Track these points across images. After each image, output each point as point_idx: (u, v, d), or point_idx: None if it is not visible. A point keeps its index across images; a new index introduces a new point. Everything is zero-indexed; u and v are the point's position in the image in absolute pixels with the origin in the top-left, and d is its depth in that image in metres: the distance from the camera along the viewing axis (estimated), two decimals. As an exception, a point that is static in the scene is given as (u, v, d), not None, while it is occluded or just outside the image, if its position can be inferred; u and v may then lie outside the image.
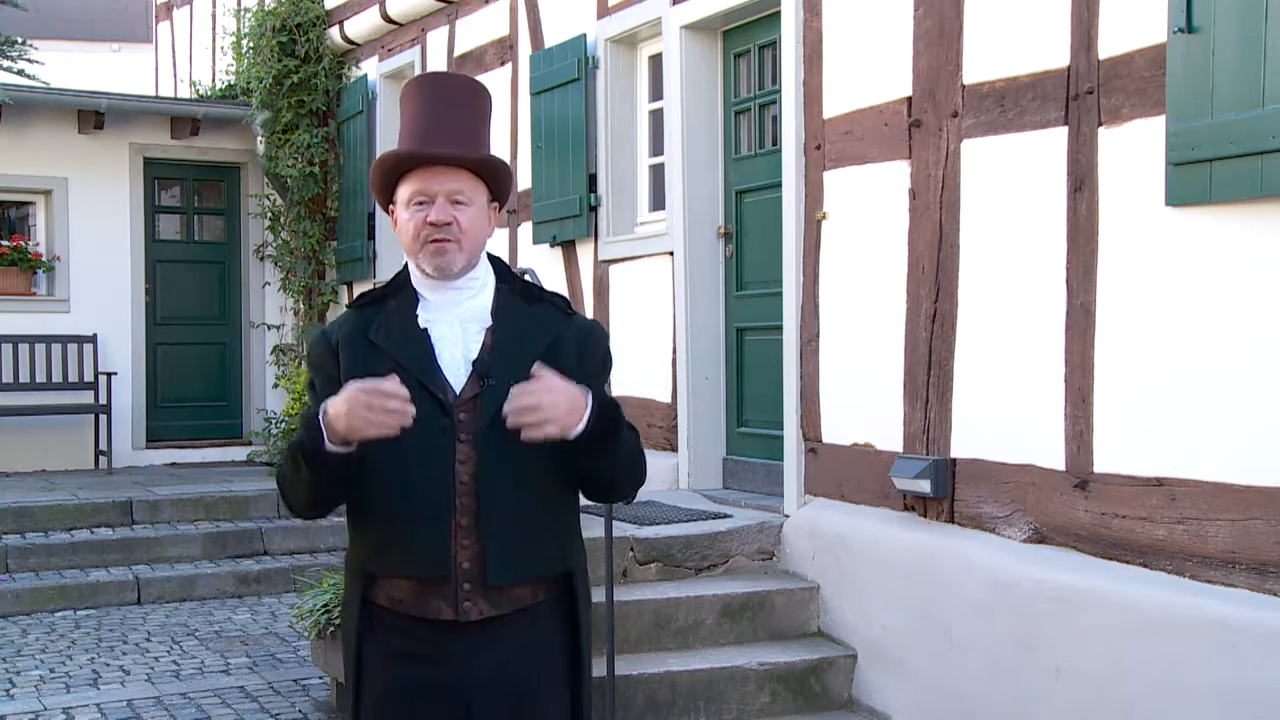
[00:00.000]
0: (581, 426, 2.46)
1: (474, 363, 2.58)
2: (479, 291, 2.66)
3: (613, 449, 2.56)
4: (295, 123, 10.61)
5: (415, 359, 2.58)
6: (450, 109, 2.62)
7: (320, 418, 2.44)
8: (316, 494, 2.58)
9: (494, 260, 2.72)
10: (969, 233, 5.12)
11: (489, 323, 2.63)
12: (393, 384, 2.38)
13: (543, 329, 2.64)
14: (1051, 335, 4.75)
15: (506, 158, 8.02)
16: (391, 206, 2.68)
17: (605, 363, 2.75)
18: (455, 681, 2.58)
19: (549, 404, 2.41)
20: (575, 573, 2.69)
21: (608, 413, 2.53)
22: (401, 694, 2.61)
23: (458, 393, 2.57)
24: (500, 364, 2.57)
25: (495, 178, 2.66)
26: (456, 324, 2.62)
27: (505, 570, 2.56)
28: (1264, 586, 4.00)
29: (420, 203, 2.59)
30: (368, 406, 2.38)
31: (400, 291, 2.67)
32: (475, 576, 2.56)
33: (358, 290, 10.00)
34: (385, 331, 2.61)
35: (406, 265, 2.71)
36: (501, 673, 2.60)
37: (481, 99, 2.69)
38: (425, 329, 2.61)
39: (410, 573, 2.57)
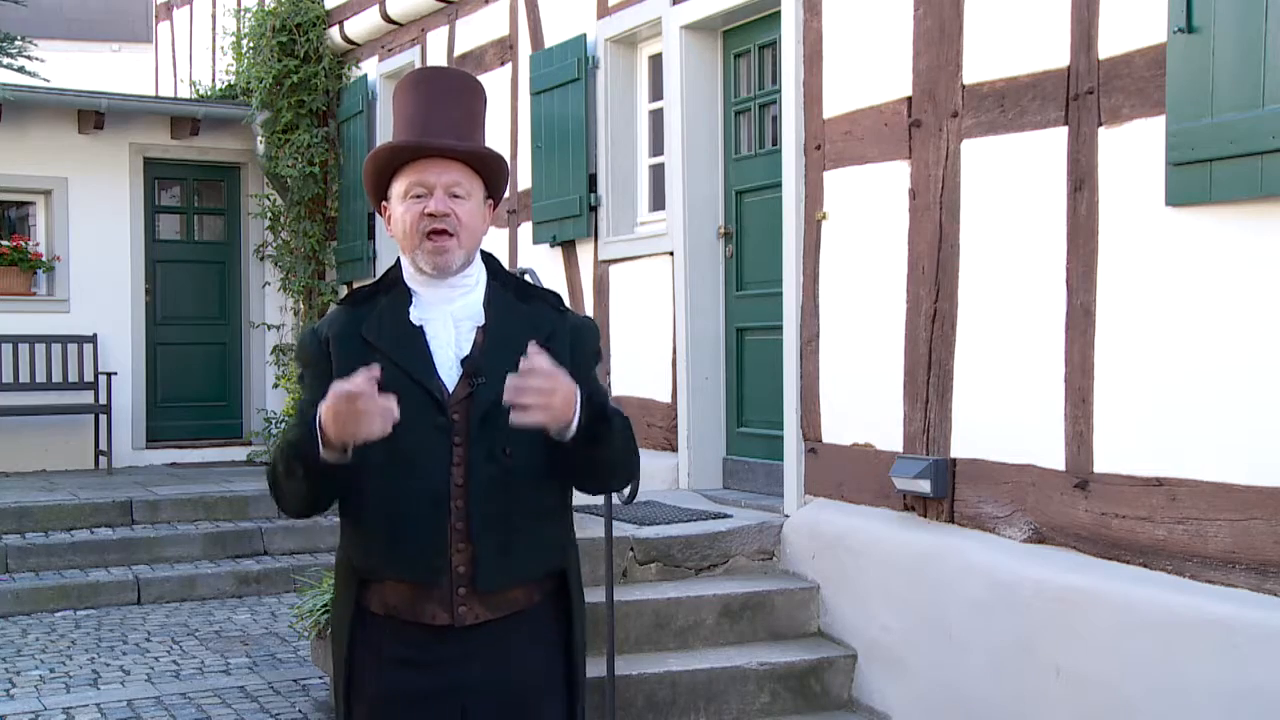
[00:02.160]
0: (574, 425, 2.44)
1: (463, 361, 2.54)
2: (472, 289, 2.61)
3: (604, 443, 2.52)
4: (295, 123, 10.61)
5: (411, 357, 2.53)
6: (446, 103, 2.57)
7: (316, 424, 2.39)
8: (312, 496, 2.54)
9: (486, 257, 2.68)
10: (969, 233, 5.12)
11: (481, 320, 2.59)
12: (362, 380, 2.31)
13: (535, 327, 2.58)
14: (1051, 335, 4.75)
15: (506, 158, 8.00)
16: (384, 204, 2.63)
17: (595, 355, 2.71)
18: (450, 687, 2.54)
19: (547, 390, 2.36)
20: (568, 571, 2.65)
21: (596, 406, 2.49)
22: (395, 701, 2.56)
23: (450, 392, 2.52)
24: (491, 363, 2.52)
25: (492, 172, 2.62)
26: (449, 321, 2.57)
27: (493, 575, 2.52)
28: (1264, 586, 4.00)
29: (418, 195, 2.54)
30: (345, 412, 2.33)
31: (392, 288, 2.62)
32: (470, 580, 2.52)
33: (358, 290, 10.00)
34: (379, 329, 2.56)
35: (398, 261, 2.65)
36: (497, 677, 2.56)
37: (477, 94, 2.64)
38: (420, 326, 2.56)
39: (405, 576, 2.52)
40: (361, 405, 2.32)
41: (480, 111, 2.65)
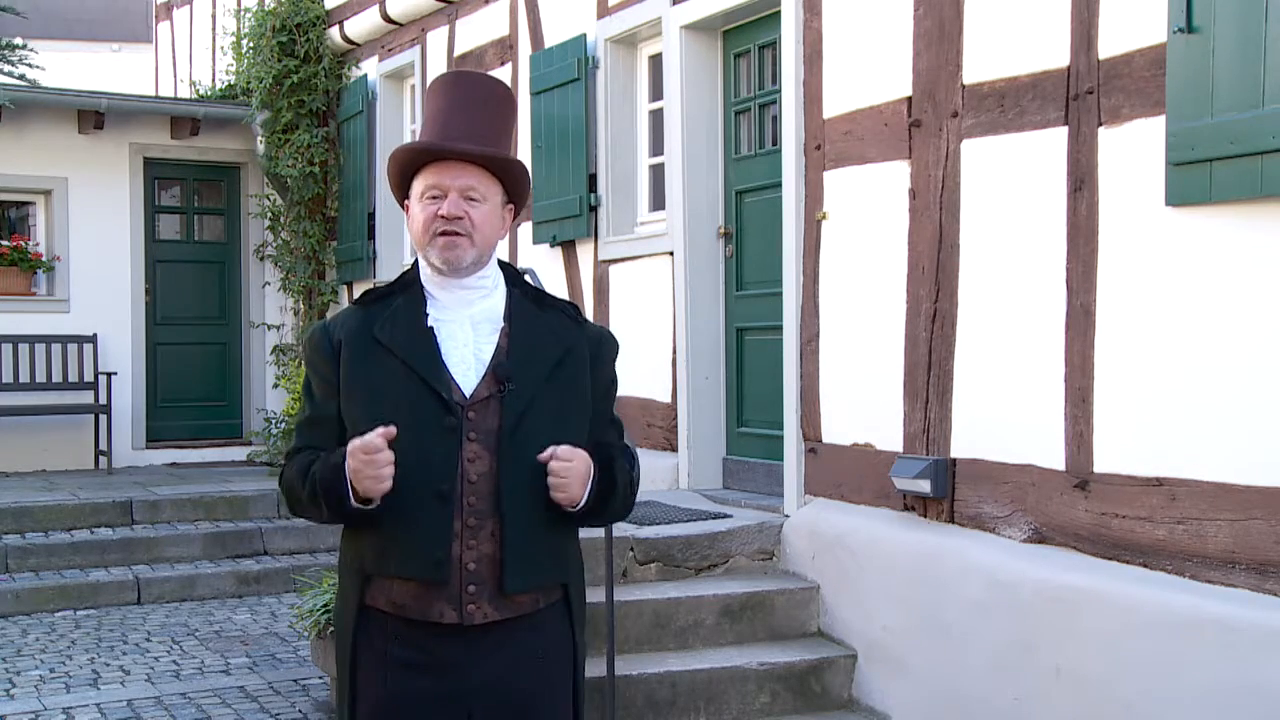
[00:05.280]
0: (583, 503, 2.57)
1: (493, 365, 2.58)
2: (490, 292, 2.65)
3: (605, 508, 2.66)
4: (295, 123, 10.61)
5: (421, 358, 2.56)
6: (472, 107, 2.61)
7: (345, 474, 2.49)
8: (336, 521, 2.63)
9: (504, 265, 2.72)
10: (969, 233, 5.12)
11: (502, 324, 2.62)
12: (377, 440, 2.43)
13: (556, 336, 2.65)
14: (1051, 335, 4.75)
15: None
16: (407, 202, 2.68)
17: (612, 384, 2.78)
18: (455, 691, 2.55)
19: (571, 478, 2.53)
20: (570, 585, 2.68)
21: (607, 479, 2.63)
22: (400, 704, 2.56)
23: (466, 392, 2.56)
24: (517, 366, 2.57)
25: (510, 177, 2.65)
26: (467, 324, 2.61)
27: (520, 576, 2.55)
28: (1264, 586, 4.00)
29: (434, 197, 2.59)
30: (363, 470, 2.45)
31: (408, 289, 2.66)
32: (482, 578, 2.53)
33: (358, 290, 10.01)
34: (391, 329, 2.59)
35: (416, 263, 2.70)
36: (502, 682, 2.57)
37: (506, 102, 2.69)
38: (432, 328, 2.59)
39: (412, 573, 2.53)
40: (378, 462, 2.44)
41: (508, 118, 2.69)
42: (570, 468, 2.51)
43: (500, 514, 2.53)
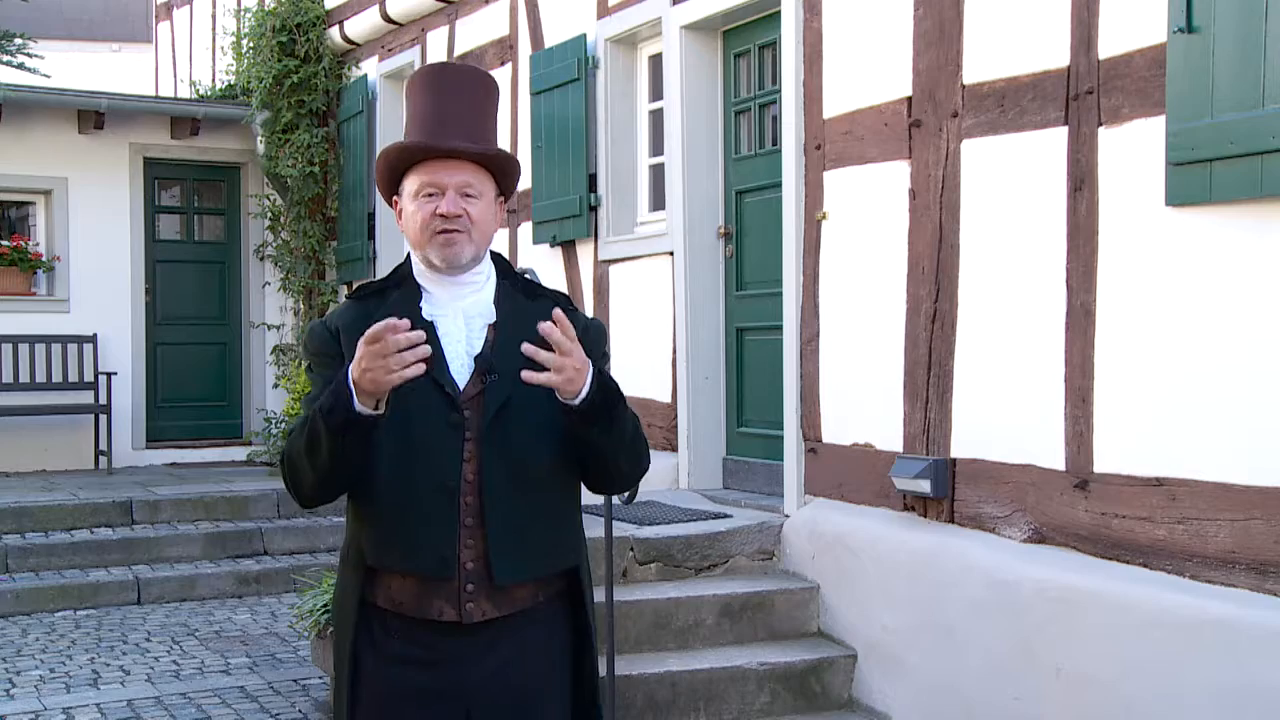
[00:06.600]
0: (585, 392, 2.42)
1: (476, 358, 2.55)
2: (482, 286, 2.63)
3: (616, 422, 2.50)
4: (295, 123, 10.61)
5: None
6: (458, 101, 2.58)
7: (347, 381, 2.35)
8: (333, 469, 2.46)
9: (495, 257, 2.70)
10: (969, 233, 5.12)
11: (492, 318, 2.60)
12: (396, 320, 2.30)
13: None
14: (1051, 335, 4.75)
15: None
16: (396, 199, 2.64)
17: (604, 357, 2.73)
18: (454, 685, 2.54)
19: (564, 350, 2.37)
20: (579, 567, 2.66)
21: (609, 384, 2.49)
22: (399, 699, 2.56)
23: (460, 387, 2.54)
24: (503, 360, 2.54)
25: (504, 172, 2.63)
26: (460, 318, 2.59)
27: (509, 569, 2.53)
28: (1264, 586, 4.00)
29: (430, 194, 2.55)
30: (382, 353, 2.30)
31: (402, 284, 2.63)
32: (479, 577, 2.52)
33: (358, 290, 10.01)
34: None
35: (408, 258, 2.67)
36: (501, 676, 2.56)
37: (489, 90, 2.66)
38: (431, 322, 2.57)
39: (418, 569, 2.52)
40: (393, 344, 2.29)
41: (493, 108, 2.66)
42: (566, 362, 2.37)
43: (483, 505, 2.50)
